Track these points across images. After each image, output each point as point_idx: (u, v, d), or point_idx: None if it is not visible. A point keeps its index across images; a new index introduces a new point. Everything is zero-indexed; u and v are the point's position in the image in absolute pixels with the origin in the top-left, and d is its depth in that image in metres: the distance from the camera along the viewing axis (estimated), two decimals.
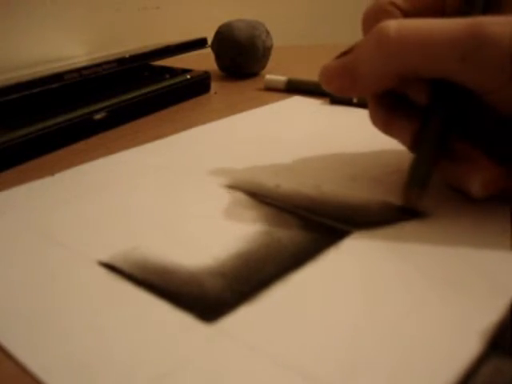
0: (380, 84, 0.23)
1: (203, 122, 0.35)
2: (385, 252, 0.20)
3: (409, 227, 0.21)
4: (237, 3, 0.70)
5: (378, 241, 0.20)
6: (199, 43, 0.45)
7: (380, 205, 0.23)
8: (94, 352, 0.15)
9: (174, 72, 0.43)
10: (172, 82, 0.41)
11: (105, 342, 0.16)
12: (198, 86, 0.43)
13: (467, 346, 0.15)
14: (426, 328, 0.16)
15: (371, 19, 0.23)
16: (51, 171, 0.28)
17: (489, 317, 0.16)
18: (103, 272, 0.19)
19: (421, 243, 0.20)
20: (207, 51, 0.48)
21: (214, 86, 0.44)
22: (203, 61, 0.50)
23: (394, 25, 0.21)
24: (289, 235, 0.21)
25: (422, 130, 0.22)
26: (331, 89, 0.24)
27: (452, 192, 0.24)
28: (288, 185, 0.25)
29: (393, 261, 0.19)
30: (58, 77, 0.34)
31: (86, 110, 0.34)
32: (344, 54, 0.23)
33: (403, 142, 0.24)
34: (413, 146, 0.23)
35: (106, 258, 0.20)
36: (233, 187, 0.25)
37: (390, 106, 0.25)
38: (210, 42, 0.47)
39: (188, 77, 0.42)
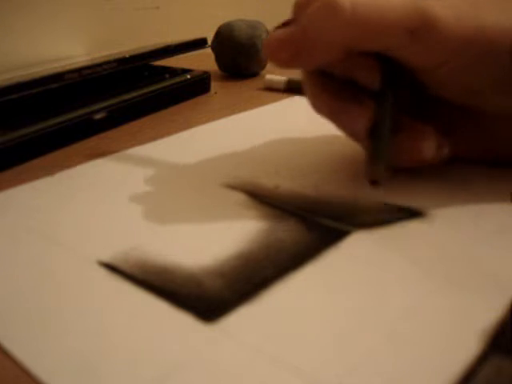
0: (325, 56, 0.22)
1: (203, 122, 0.35)
2: (385, 252, 0.20)
3: (409, 227, 0.21)
4: (237, 3, 0.70)
5: (378, 241, 0.20)
6: (199, 43, 0.45)
7: (380, 205, 0.23)
8: (94, 352, 0.15)
9: (173, 72, 0.43)
10: (172, 81, 0.41)
11: (105, 342, 0.16)
12: (197, 85, 0.43)
13: (467, 345, 0.15)
14: (425, 328, 0.16)
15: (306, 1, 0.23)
16: (51, 171, 0.28)
17: (489, 316, 0.16)
18: (103, 272, 0.19)
19: (421, 243, 0.20)
20: (207, 51, 0.48)
21: (214, 86, 0.44)
22: (203, 61, 0.50)
23: None
24: (289, 235, 0.21)
25: (377, 111, 0.22)
26: (276, 61, 0.23)
27: (452, 191, 0.24)
28: (288, 185, 0.25)
29: (393, 260, 0.19)
30: (58, 77, 0.34)
31: (86, 110, 0.34)
32: (286, 24, 0.23)
33: (352, 128, 0.23)
34: (370, 131, 0.22)
35: (106, 257, 0.20)
36: (233, 187, 0.25)
37: (335, 92, 0.24)
38: (210, 41, 0.47)
39: (188, 77, 0.42)
